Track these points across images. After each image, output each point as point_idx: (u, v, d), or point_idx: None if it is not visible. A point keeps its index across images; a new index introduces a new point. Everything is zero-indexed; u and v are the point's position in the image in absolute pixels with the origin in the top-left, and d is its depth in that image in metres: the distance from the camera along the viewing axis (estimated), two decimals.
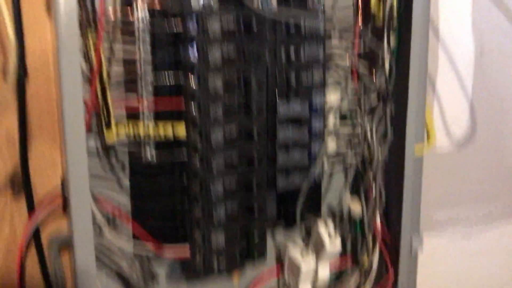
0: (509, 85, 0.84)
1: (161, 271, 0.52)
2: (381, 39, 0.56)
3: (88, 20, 0.42)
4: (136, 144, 0.48)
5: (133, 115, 0.47)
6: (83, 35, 0.41)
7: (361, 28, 0.58)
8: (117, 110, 0.46)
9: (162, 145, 0.48)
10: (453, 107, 0.81)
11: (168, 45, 0.47)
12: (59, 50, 0.37)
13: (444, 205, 0.85)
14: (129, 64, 0.47)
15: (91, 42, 0.42)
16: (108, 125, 0.44)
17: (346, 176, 0.61)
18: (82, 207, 0.40)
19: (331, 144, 0.57)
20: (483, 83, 0.82)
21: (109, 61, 0.45)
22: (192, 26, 0.45)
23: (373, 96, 0.57)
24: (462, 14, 0.78)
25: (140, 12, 0.45)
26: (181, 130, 0.47)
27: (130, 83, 0.47)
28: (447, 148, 0.82)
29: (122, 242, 0.47)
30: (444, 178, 0.82)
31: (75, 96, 0.38)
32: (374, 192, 0.58)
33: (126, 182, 0.49)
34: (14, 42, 0.42)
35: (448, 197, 0.84)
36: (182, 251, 0.49)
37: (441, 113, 0.80)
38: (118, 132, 0.45)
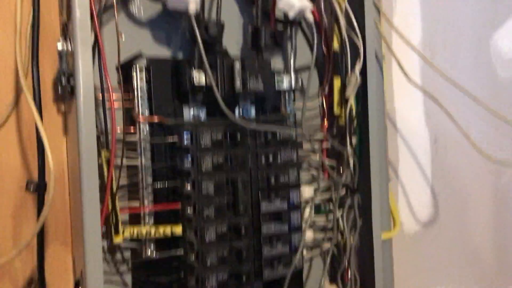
0: (463, 167, 0.91)
1: None
2: (344, 138, 0.63)
3: (102, 140, 0.50)
4: (137, 242, 0.54)
5: (135, 218, 0.54)
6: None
7: (327, 130, 0.67)
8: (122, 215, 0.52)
9: (161, 242, 0.55)
10: (415, 191, 0.87)
11: (166, 157, 0.55)
12: (81, 168, 0.44)
13: (416, 285, 0.90)
14: (133, 176, 0.54)
15: (104, 159, 0.49)
16: (116, 230, 0.50)
17: (323, 263, 0.66)
18: None
19: (309, 234, 0.64)
20: (440, 167, 0.89)
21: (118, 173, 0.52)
22: (187, 139, 0.53)
23: (342, 189, 0.64)
24: (416, 106, 0.87)
25: (142, 131, 0.54)
26: (178, 230, 0.53)
27: (133, 191, 0.54)
28: (414, 229, 0.88)
29: None
30: (413, 260, 0.87)
31: (94, 207, 0.45)
32: (349, 277, 0.62)
33: (129, 277, 0.54)
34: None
35: (419, 279, 0.87)
36: None
37: (406, 198, 0.87)
38: (124, 234, 0.51)
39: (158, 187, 0.54)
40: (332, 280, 0.66)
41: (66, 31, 0.47)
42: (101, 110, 0.49)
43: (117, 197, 0.50)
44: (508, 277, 0.98)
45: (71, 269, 0.55)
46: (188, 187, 0.53)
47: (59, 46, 0.45)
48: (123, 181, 0.53)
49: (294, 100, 0.63)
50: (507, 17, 1.00)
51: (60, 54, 0.46)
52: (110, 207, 0.49)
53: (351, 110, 0.63)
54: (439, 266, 0.90)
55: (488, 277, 0.96)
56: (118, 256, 0.53)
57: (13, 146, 0.53)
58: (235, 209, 0.54)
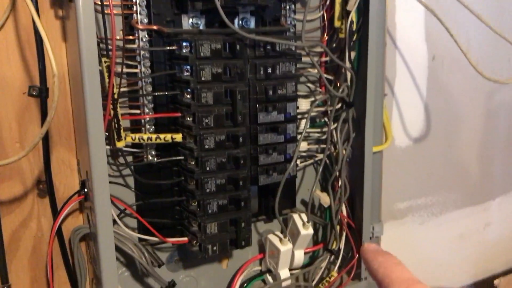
0: (458, 86, 0.93)
1: (162, 257, 0.59)
2: (343, 52, 0.64)
3: (101, 47, 0.50)
4: (139, 147, 0.56)
5: (136, 126, 0.56)
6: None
7: (327, 44, 0.67)
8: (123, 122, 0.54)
9: (162, 148, 0.57)
10: (410, 107, 0.88)
11: (165, 65, 0.56)
12: (83, 73, 0.45)
13: (404, 196, 0.92)
14: (132, 84, 0.55)
15: (104, 65, 0.50)
16: (119, 135, 0.52)
17: (316, 172, 0.70)
18: (104, 201, 0.47)
19: (303, 145, 0.66)
20: (435, 84, 0.90)
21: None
22: (185, 47, 0.54)
23: (338, 103, 0.65)
24: (416, 24, 0.86)
25: (141, 40, 0.54)
26: (177, 136, 0.55)
27: (133, 100, 0.55)
28: (405, 143, 0.91)
29: (130, 232, 0.55)
30: (403, 171, 0.91)
31: (97, 111, 0.46)
32: (339, 185, 0.65)
33: (131, 180, 0.57)
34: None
35: (407, 189, 0.91)
36: (180, 239, 0.58)
37: (399, 113, 0.89)
38: (125, 139, 0.53)
39: (158, 96, 0.55)
40: (323, 189, 0.70)
41: None
42: (100, 16, 0.49)
43: (118, 104, 0.51)
44: (490, 188, 1.04)
45: (76, 170, 0.57)
46: (188, 96, 0.54)
47: None
48: (124, 89, 0.54)
49: (294, 12, 0.63)
50: None
51: None
52: (111, 113, 0.50)
53: (351, 23, 0.63)
54: (427, 178, 0.94)
55: (472, 189, 1.01)
56: (121, 160, 0.55)
57: (13, 52, 0.53)
58: (234, 119, 0.55)
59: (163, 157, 0.57)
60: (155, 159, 0.57)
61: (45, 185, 0.55)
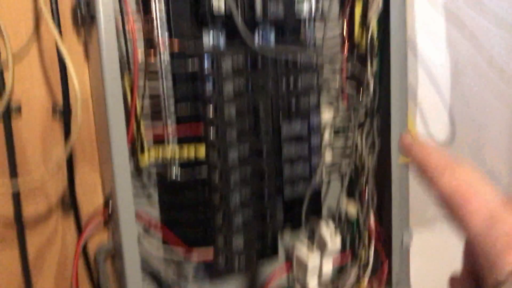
0: (483, 94, 0.92)
1: (187, 272, 0.59)
2: (365, 63, 0.63)
3: (123, 64, 0.50)
4: (163, 165, 0.56)
5: (159, 141, 0.56)
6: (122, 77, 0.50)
7: (347, 55, 0.66)
8: (146, 138, 0.54)
9: (186, 165, 0.57)
10: (434, 116, 0.87)
11: (187, 82, 0.56)
12: (105, 90, 0.45)
13: (433, 204, 0.92)
14: (155, 98, 0.55)
15: (126, 83, 0.50)
16: (142, 151, 0.52)
17: (342, 183, 0.68)
18: (128, 218, 0.47)
19: (328, 156, 0.65)
20: (458, 92, 0.88)
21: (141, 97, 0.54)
22: (208, 65, 0.54)
23: (361, 112, 0.64)
24: (438, 33, 0.86)
25: (162, 55, 0.54)
26: (201, 152, 0.55)
27: (156, 114, 0.55)
28: None
29: (156, 248, 0.55)
30: None
31: (120, 128, 0.46)
32: (366, 195, 0.64)
33: (156, 198, 0.57)
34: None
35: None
36: (206, 254, 0.57)
37: (423, 122, 0.88)
38: (149, 157, 0.53)
39: (181, 111, 0.55)
40: (350, 199, 0.68)
41: None
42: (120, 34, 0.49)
43: (142, 121, 0.51)
44: None
45: (100, 188, 0.58)
46: (211, 112, 0.54)
47: None
48: (146, 109, 0.54)
49: (314, 27, 0.62)
50: None
51: None
52: (135, 129, 0.51)
53: (372, 35, 0.62)
54: None
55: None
56: (145, 179, 0.55)
57: (37, 75, 0.53)
58: (257, 133, 0.55)
59: (187, 172, 0.56)
60: (179, 175, 0.56)
61: (69, 203, 0.55)
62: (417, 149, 0.27)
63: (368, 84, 0.64)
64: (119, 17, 0.49)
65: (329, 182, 0.68)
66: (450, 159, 0.26)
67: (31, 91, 0.53)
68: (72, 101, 0.54)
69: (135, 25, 0.49)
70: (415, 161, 0.27)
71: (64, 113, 0.53)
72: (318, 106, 0.59)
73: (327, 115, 0.64)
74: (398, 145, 0.34)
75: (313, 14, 0.60)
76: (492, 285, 0.22)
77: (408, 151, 0.28)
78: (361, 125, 0.65)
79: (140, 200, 0.56)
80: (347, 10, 0.64)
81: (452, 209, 0.25)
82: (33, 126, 0.54)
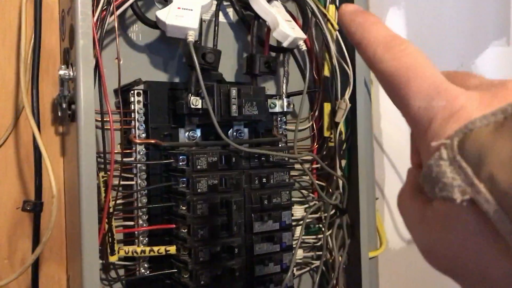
0: None
1: None
2: (334, 160, 0.66)
3: (98, 161, 0.51)
4: (131, 260, 0.55)
5: (130, 238, 0.55)
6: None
7: (317, 151, 0.69)
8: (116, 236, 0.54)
9: (155, 260, 0.56)
10: None
11: (161, 178, 0.57)
12: (81, 189, 0.46)
13: None
14: (128, 195, 0.56)
15: (101, 180, 0.51)
16: (112, 249, 0.51)
17: (312, 280, 0.69)
18: None
19: (299, 253, 0.65)
20: None
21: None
22: (182, 160, 0.55)
23: (331, 209, 0.66)
24: (402, 126, 0.90)
25: (138, 153, 0.55)
26: (171, 249, 0.54)
27: (128, 211, 0.56)
28: (399, 245, 0.90)
29: None
30: (398, 274, 0.90)
31: (92, 226, 0.46)
32: None
33: None
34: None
35: None
36: None
37: (391, 215, 0.90)
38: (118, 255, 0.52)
39: (153, 208, 0.55)
40: None
41: (68, 57, 0.49)
42: (99, 131, 0.51)
43: (113, 218, 0.51)
44: None
45: (65, 286, 0.56)
46: (183, 207, 0.55)
47: (61, 72, 0.46)
48: (118, 201, 0.54)
49: (285, 123, 0.66)
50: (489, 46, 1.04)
51: (62, 79, 0.47)
52: (106, 227, 0.50)
53: (340, 133, 0.66)
54: (423, 281, 0.92)
55: None
56: (113, 273, 0.54)
57: (11, 167, 0.54)
58: (229, 229, 0.55)
59: (156, 269, 0.56)
60: (148, 272, 0.55)
61: None
62: (360, 19, 0.25)
63: (337, 181, 0.66)
64: (99, 116, 0.50)
65: (300, 279, 0.68)
66: (393, 34, 0.24)
67: (2, 185, 0.53)
68: (44, 195, 0.53)
69: (113, 125, 0.50)
70: (355, 34, 0.25)
71: (34, 207, 0.53)
72: (290, 203, 0.60)
73: (298, 212, 0.65)
74: (338, 13, 0.30)
75: (284, 112, 0.64)
76: (429, 156, 0.21)
77: (349, 22, 0.25)
78: (331, 222, 0.66)
79: None
80: (317, 109, 0.68)
81: (393, 89, 0.23)
82: (1, 219, 0.53)
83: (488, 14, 1.06)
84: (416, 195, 0.24)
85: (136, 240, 0.55)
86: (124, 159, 0.54)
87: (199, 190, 0.54)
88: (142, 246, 0.54)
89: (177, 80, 0.60)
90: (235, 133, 0.62)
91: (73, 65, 0.46)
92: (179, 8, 0.52)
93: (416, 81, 0.22)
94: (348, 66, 0.63)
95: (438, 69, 0.22)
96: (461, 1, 1.01)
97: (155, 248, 0.54)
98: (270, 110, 0.63)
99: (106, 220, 0.50)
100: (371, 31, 0.24)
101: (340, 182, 0.66)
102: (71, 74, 0.47)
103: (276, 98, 0.63)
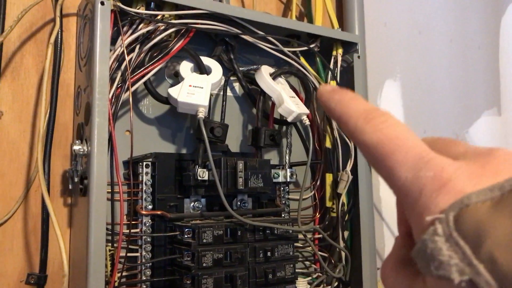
0: None
1: None
2: (337, 231, 0.67)
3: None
4: None
5: None
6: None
7: (319, 221, 0.70)
8: None
9: None
10: None
11: (166, 248, 0.57)
12: (89, 261, 0.46)
13: None
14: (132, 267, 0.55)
15: (108, 253, 0.51)
16: None
17: None
18: None
19: None
20: None
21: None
22: (187, 233, 0.55)
23: (335, 282, 0.65)
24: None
25: (144, 221, 0.56)
26: None
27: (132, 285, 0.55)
28: None
29: None
30: None
31: None
32: None
33: None
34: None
35: None
36: None
37: None
38: None
39: (158, 282, 0.55)
40: None
41: (82, 133, 0.50)
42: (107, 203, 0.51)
43: None
44: None
45: None
46: (188, 282, 0.54)
47: (76, 147, 0.48)
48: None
49: (288, 193, 0.67)
50: (481, 115, 1.08)
51: (76, 154, 0.48)
52: None
53: (343, 205, 0.67)
54: None
55: None
56: None
57: (18, 239, 0.54)
58: None
59: None
60: None
61: None
62: (338, 97, 0.25)
63: (340, 253, 0.66)
64: (109, 187, 0.51)
65: None
66: (373, 107, 0.24)
67: (8, 258, 0.52)
68: (49, 268, 0.53)
69: (123, 196, 0.51)
70: (335, 110, 0.25)
71: (38, 280, 0.52)
72: (293, 277, 0.60)
73: (301, 284, 0.64)
74: (316, 94, 0.30)
75: (287, 182, 0.65)
76: (422, 230, 0.20)
77: (328, 99, 0.25)
78: None
79: None
80: (318, 180, 0.69)
81: (377, 160, 0.22)
82: None
83: (479, 85, 1.11)
84: (403, 267, 0.23)
85: None
86: (131, 231, 0.54)
87: (204, 264, 0.54)
88: None
89: (184, 151, 0.62)
90: (239, 203, 0.63)
91: (88, 141, 0.48)
92: (190, 86, 0.54)
93: (400, 151, 0.22)
94: (349, 138, 0.65)
95: (420, 139, 0.22)
96: (453, 74, 1.06)
97: None
98: (274, 180, 0.64)
99: None
100: (350, 105, 0.24)
101: (343, 254, 0.66)
102: (85, 149, 0.48)
103: (279, 168, 0.65)
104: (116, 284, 0.51)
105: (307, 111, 0.61)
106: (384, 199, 0.89)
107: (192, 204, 0.60)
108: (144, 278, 0.55)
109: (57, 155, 0.55)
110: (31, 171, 0.53)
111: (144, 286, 0.55)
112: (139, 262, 0.55)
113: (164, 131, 0.60)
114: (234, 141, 0.65)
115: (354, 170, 0.67)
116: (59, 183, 0.55)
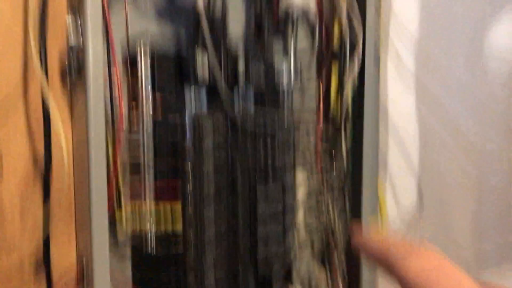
0: (450, 162, 0.94)
1: None
2: (339, 130, 0.66)
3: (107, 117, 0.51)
4: (138, 238, 0.55)
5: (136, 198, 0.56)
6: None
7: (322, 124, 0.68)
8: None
9: (161, 239, 0.56)
10: (402, 183, 0.90)
11: (167, 136, 0.56)
12: (89, 142, 0.47)
13: None
14: (134, 153, 0.56)
15: (108, 137, 0.51)
16: (119, 206, 0.52)
17: (312, 247, 0.69)
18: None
19: (300, 215, 0.66)
20: (427, 160, 0.91)
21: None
22: (188, 122, 0.55)
23: (333, 176, 0.66)
24: (408, 106, 0.89)
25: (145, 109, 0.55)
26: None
27: (135, 169, 0.56)
28: (397, 219, 0.90)
29: None
30: None
31: (101, 184, 0.47)
32: (336, 260, 0.65)
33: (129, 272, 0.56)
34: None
35: None
36: None
37: (392, 188, 0.90)
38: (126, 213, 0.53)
39: (160, 165, 0.55)
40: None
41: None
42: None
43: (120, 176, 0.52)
44: (483, 263, 1.02)
45: (74, 243, 0.57)
46: (189, 169, 0.55)
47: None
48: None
49: (292, 92, 0.65)
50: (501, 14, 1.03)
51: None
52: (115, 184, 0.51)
53: (346, 100, 0.65)
54: None
55: (465, 263, 0.99)
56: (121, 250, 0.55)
57: (20, 127, 0.54)
58: (233, 193, 0.56)
59: (163, 246, 0.55)
60: (154, 249, 0.55)
61: (42, 261, 0.54)
62: (374, 243, 0.25)
63: (341, 150, 0.66)
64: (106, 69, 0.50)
65: (300, 247, 0.68)
66: (411, 244, 0.24)
67: (14, 145, 0.53)
68: (54, 155, 0.54)
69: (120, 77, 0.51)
70: (374, 255, 0.25)
71: (45, 166, 0.53)
72: (293, 167, 0.61)
73: (301, 176, 0.65)
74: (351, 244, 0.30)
75: (291, 71, 0.64)
76: None
77: (366, 249, 0.26)
78: (332, 188, 0.67)
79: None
80: (323, 76, 0.67)
81: None
82: (12, 179, 0.53)
83: None
84: None
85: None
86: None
87: (204, 152, 0.54)
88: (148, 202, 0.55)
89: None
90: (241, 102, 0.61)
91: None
92: None
93: None
94: (358, 23, 0.62)
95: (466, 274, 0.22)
96: None
97: (161, 205, 0.55)
98: (277, 70, 0.62)
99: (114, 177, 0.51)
100: (389, 245, 0.24)
101: (344, 150, 0.66)
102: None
103: (284, 56, 0.63)
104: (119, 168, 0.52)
105: None
106: (392, 102, 0.86)
107: (192, 94, 0.59)
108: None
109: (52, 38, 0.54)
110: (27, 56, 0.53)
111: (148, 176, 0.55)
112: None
113: (163, 24, 0.58)
114: (237, 32, 0.62)
115: (362, 64, 0.64)
116: (57, 69, 0.55)
